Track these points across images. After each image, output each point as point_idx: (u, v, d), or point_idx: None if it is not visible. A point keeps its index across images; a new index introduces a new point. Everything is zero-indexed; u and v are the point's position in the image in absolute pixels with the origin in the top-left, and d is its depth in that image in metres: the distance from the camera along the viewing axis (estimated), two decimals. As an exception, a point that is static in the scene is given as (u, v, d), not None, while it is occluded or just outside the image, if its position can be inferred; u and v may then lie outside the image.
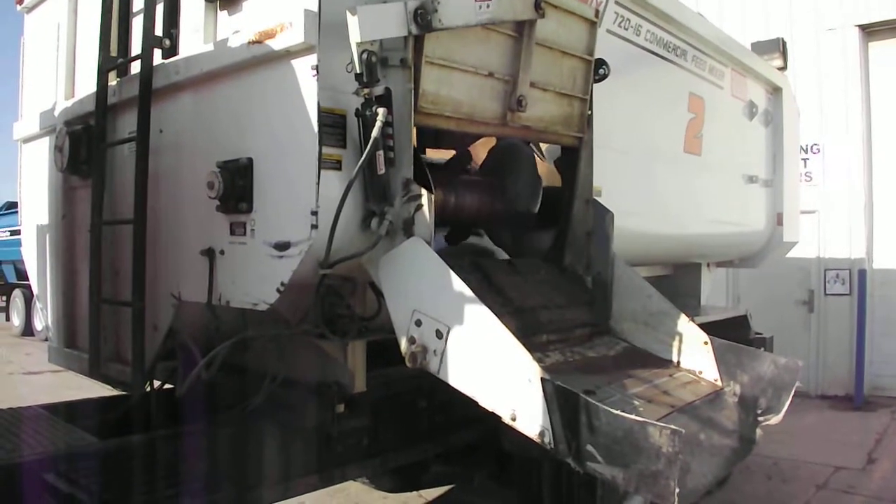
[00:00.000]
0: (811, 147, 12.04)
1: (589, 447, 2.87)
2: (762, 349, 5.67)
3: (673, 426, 2.74)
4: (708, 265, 7.38)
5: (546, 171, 4.99)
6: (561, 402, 2.87)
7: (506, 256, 4.94)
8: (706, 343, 4.11)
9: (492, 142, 5.04)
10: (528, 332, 3.70)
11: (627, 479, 2.85)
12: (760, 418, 4.06)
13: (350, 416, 4.06)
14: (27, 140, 5.45)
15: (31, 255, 5.45)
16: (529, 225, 4.82)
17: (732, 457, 3.83)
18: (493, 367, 3.05)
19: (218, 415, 4.16)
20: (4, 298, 21.53)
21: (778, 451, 8.08)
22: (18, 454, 3.57)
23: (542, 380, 2.88)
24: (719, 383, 4.06)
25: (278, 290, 3.33)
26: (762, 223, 7.86)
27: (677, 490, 2.70)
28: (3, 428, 4.04)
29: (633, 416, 2.85)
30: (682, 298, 6.53)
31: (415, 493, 6.74)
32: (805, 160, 11.72)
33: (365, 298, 3.86)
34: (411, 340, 3.26)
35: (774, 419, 4.06)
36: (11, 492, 3.31)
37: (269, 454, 4.10)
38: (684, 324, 4.17)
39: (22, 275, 18.39)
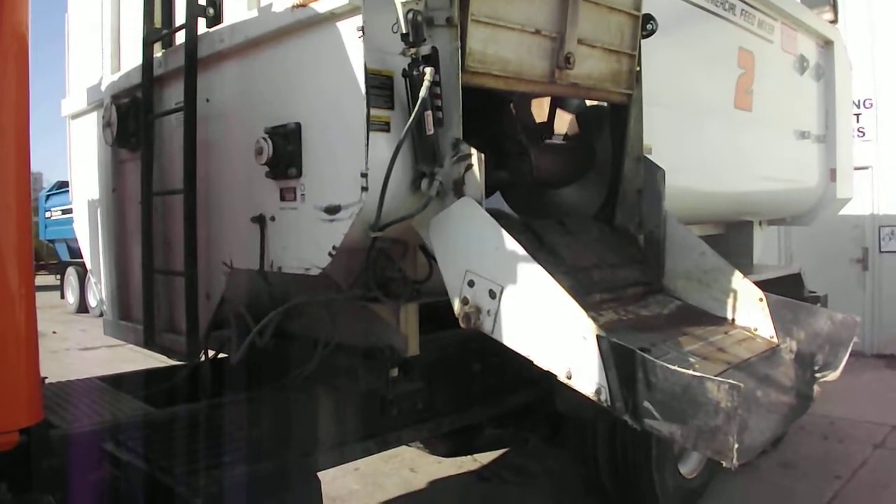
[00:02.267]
0: (864, 102, 11.73)
1: (646, 404, 2.84)
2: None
3: (731, 381, 2.70)
4: (760, 223, 7.26)
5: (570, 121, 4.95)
6: (617, 358, 2.84)
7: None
8: (761, 300, 4.06)
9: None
10: (582, 292, 3.67)
11: (685, 436, 2.83)
12: (818, 375, 4.00)
13: (404, 380, 4.08)
14: (75, 116, 5.49)
15: (84, 231, 5.51)
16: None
17: (790, 414, 3.78)
18: (547, 326, 3.02)
19: (272, 382, 4.19)
20: (59, 276, 21.98)
21: (834, 410, 7.96)
22: (78, 424, 3.63)
23: (598, 337, 2.85)
24: (775, 340, 4.01)
25: (330, 255, 3.32)
26: (815, 180, 7.68)
27: (736, 446, 2.67)
28: (62, 399, 4.10)
29: (690, 372, 2.82)
30: (735, 257, 6.38)
31: (469, 457, 6.76)
32: (857, 115, 11.44)
33: (416, 261, 3.86)
34: (464, 301, 3.24)
35: (832, 376, 4.00)
36: (71, 460, 3.36)
37: (324, 420, 4.13)
38: (739, 280, 4.12)
39: (75, 252, 18.80)
